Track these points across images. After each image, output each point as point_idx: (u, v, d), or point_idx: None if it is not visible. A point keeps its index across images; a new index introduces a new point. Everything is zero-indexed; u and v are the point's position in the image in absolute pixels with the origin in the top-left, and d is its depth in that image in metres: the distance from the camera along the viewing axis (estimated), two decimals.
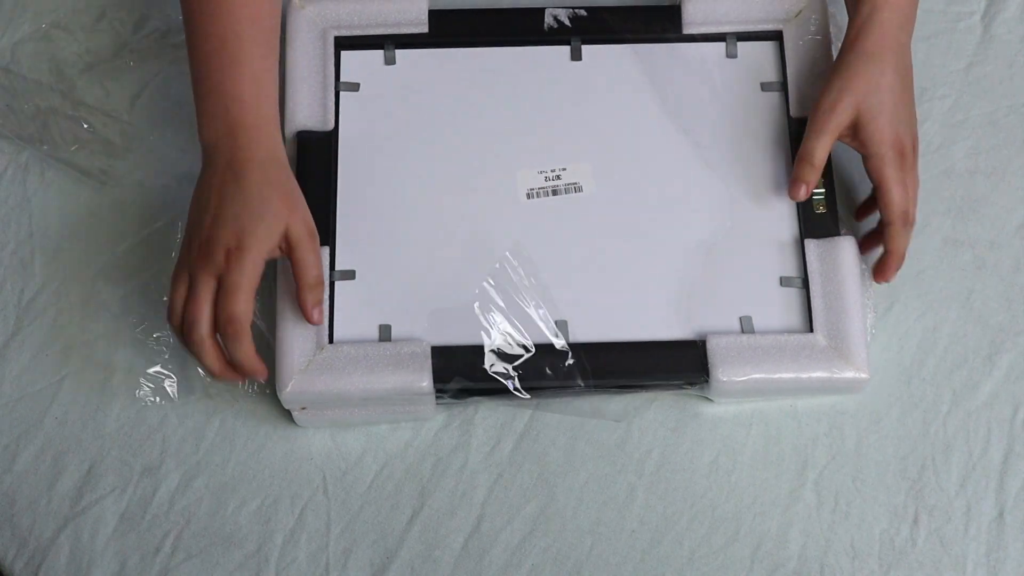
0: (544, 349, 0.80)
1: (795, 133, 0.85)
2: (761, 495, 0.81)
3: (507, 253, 0.82)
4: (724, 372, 0.78)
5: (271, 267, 0.83)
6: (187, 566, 0.80)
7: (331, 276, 0.82)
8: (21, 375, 0.85)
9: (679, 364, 0.79)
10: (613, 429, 0.83)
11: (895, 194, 0.79)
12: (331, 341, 0.80)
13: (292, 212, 0.76)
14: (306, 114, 0.85)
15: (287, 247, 0.76)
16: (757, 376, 0.78)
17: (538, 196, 0.85)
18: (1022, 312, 0.85)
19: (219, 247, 0.74)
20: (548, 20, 0.88)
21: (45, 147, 0.89)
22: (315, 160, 0.84)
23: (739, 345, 0.79)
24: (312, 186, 0.83)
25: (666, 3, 0.89)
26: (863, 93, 0.79)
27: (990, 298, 0.86)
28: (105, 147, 0.89)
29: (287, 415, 0.83)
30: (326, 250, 0.82)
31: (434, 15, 0.88)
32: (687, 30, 0.88)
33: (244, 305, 0.74)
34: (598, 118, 0.87)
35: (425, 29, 0.88)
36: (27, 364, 0.85)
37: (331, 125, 0.86)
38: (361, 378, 0.78)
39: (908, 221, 0.80)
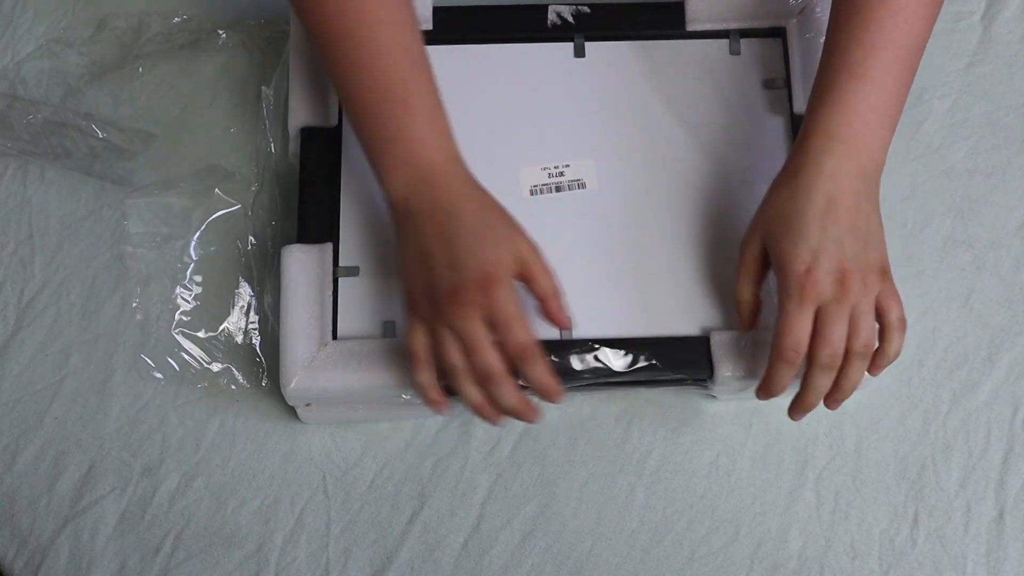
0: (548, 345, 0.80)
1: (797, 130, 0.85)
2: (761, 495, 0.81)
3: None
4: (728, 367, 0.78)
5: (276, 261, 0.83)
6: (187, 566, 0.80)
7: (334, 272, 0.81)
8: (21, 375, 0.85)
9: (683, 360, 0.79)
10: (613, 429, 0.83)
11: (781, 327, 0.71)
12: (335, 337, 0.80)
13: (518, 232, 0.75)
14: (309, 110, 0.85)
15: (519, 267, 0.74)
16: (761, 371, 0.78)
17: (541, 192, 0.85)
18: (1022, 312, 0.85)
19: (471, 287, 0.71)
20: (551, 17, 0.88)
21: (63, 161, 0.89)
22: (319, 156, 0.84)
23: (743, 340, 0.79)
24: (316, 182, 0.83)
25: (669, 0, 0.89)
26: (766, 220, 0.74)
27: (990, 298, 0.86)
28: (120, 154, 0.89)
29: (287, 415, 0.83)
30: (329, 247, 0.82)
31: (438, 12, 0.88)
32: (690, 27, 0.88)
33: (527, 332, 0.72)
34: (601, 115, 0.86)
35: (429, 26, 0.88)
36: (27, 364, 0.85)
37: (335, 121, 0.85)
38: (365, 374, 0.78)
39: (790, 360, 0.72)
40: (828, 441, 0.82)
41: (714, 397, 0.83)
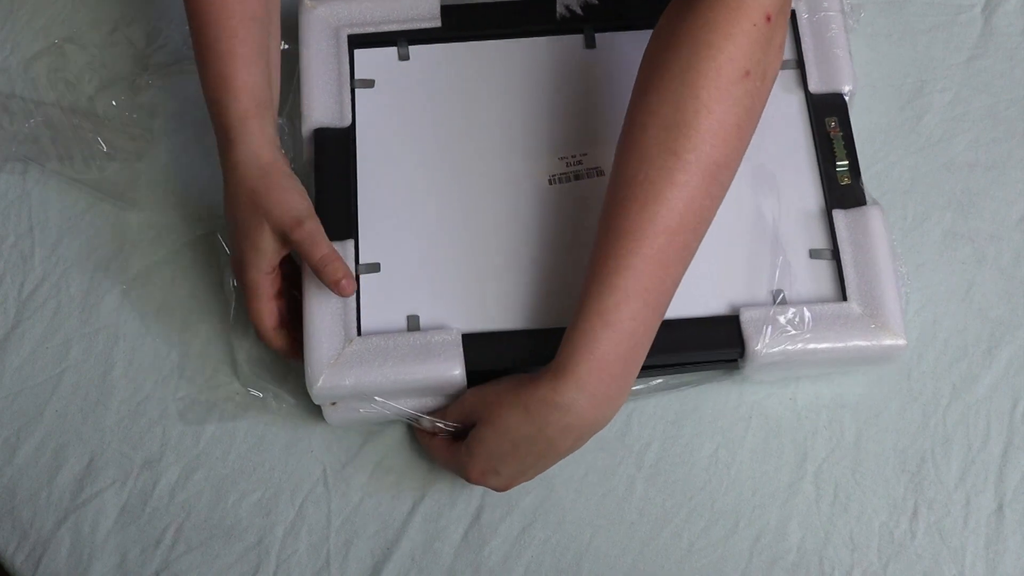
0: None
1: (814, 108, 0.85)
2: (760, 488, 0.81)
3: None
4: (760, 344, 0.77)
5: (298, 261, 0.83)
6: (188, 558, 0.80)
7: (356, 270, 0.81)
8: (21, 368, 0.85)
9: (714, 339, 0.78)
10: (613, 421, 0.82)
11: (436, 453, 0.80)
12: (359, 334, 0.80)
13: (268, 212, 0.77)
14: (322, 112, 0.85)
15: (285, 247, 0.79)
16: (793, 347, 0.78)
17: (561, 182, 0.85)
18: (1022, 305, 0.85)
19: (235, 265, 0.81)
20: (560, 10, 0.89)
21: (62, 166, 0.89)
22: (334, 156, 0.84)
23: (773, 317, 0.78)
24: (332, 182, 0.83)
25: None
26: (494, 418, 0.75)
27: (990, 291, 0.86)
28: (123, 163, 0.89)
29: (287, 409, 0.83)
30: (350, 244, 0.81)
31: (446, 9, 0.89)
32: None
33: (256, 319, 0.80)
34: (616, 103, 0.86)
35: (438, 23, 0.88)
36: (27, 357, 0.85)
37: (348, 121, 0.86)
38: (392, 369, 0.77)
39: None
40: (828, 434, 0.82)
41: (714, 392, 0.82)
